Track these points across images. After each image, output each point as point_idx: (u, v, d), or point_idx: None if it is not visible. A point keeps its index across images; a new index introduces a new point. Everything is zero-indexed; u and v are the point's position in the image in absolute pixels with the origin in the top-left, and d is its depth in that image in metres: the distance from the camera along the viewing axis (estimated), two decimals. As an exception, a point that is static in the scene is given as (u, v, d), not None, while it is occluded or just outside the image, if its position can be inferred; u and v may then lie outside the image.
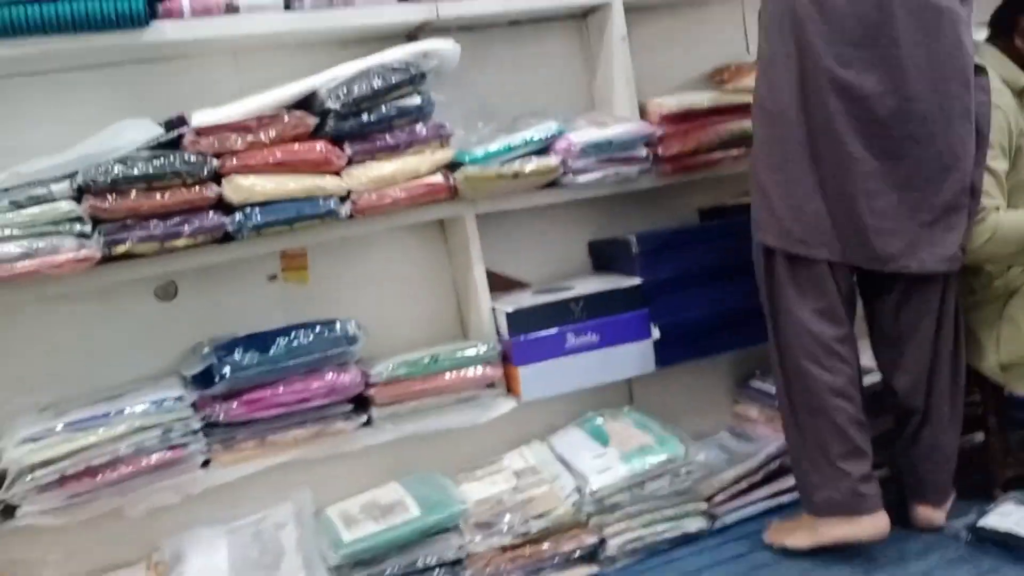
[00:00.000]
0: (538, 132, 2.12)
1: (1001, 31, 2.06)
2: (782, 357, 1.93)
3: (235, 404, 1.88)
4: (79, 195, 1.76)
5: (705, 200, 2.55)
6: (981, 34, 2.10)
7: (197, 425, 1.86)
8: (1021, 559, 1.79)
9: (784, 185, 1.87)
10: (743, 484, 2.16)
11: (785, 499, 2.18)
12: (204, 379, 1.89)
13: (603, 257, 2.45)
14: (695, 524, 2.08)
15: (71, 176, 1.76)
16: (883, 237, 1.82)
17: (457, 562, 1.90)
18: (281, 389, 1.91)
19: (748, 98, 2.29)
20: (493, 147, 2.06)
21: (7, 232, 1.69)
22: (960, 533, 1.92)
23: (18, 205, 1.71)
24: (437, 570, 1.88)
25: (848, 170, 1.82)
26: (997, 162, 1.92)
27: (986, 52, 2.04)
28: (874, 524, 1.86)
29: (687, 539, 2.05)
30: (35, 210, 1.71)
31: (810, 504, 1.94)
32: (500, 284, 2.32)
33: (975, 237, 1.87)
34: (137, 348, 2.05)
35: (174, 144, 1.86)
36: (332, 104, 1.89)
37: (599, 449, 2.11)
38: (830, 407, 1.86)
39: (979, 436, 2.25)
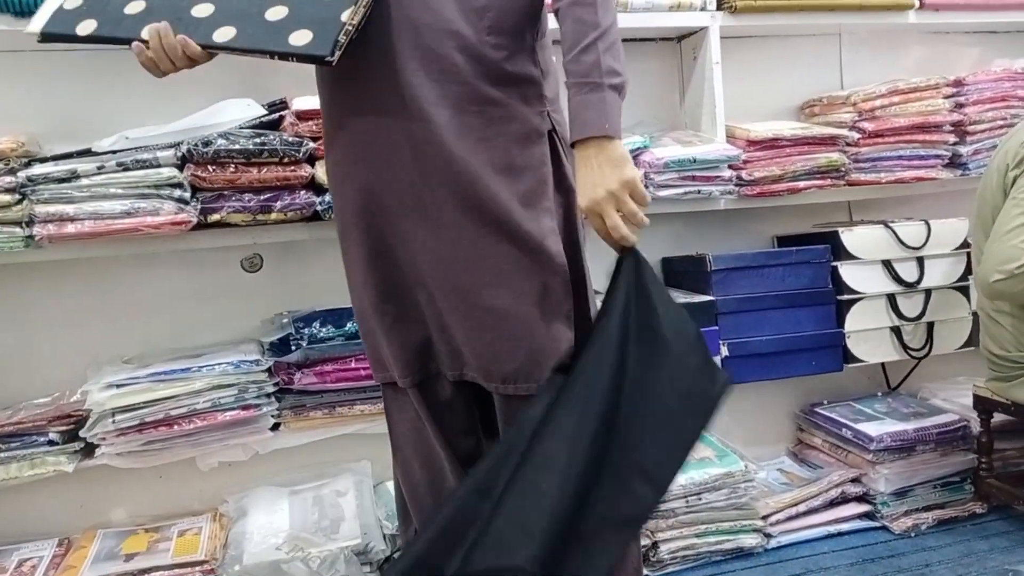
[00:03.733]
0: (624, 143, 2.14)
1: None
2: None
3: (308, 373, 1.95)
4: (182, 163, 1.85)
5: (782, 228, 2.55)
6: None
7: (271, 389, 1.94)
8: None
9: None
10: (802, 507, 2.14)
11: (845, 527, 2.15)
12: (281, 347, 1.97)
13: (676, 273, 2.46)
14: (750, 540, 2.06)
15: (176, 145, 1.85)
16: None
17: (508, 545, 1.91)
18: (353, 363, 1.97)
19: (838, 131, 2.33)
20: (576, 153, 2.09)
21: (112, 191, 1.79)
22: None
23: (125, 167, 1.81)
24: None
25: None
26: None
27: None
28: None
29: (740, 554, 2.04)
30: (140, 173, 1.81)
31: None
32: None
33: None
34: (220, 314, 2.14)
35: (274, 125, 1.95)
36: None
37: (658, 457, 2.11)
38: None
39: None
